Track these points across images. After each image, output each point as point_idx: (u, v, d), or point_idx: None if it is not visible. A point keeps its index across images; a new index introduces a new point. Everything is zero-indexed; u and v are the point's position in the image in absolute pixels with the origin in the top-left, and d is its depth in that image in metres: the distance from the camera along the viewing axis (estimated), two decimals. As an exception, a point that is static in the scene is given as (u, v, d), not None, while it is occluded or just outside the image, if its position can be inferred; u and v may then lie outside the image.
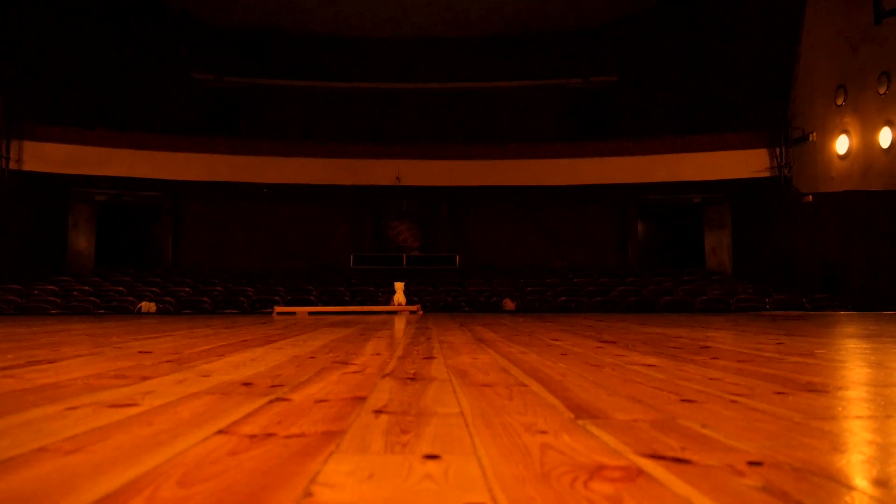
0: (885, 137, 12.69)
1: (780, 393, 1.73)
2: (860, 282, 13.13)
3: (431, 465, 1.00)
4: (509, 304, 13.84)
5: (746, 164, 15.98)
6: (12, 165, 14.87)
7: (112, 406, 1.54)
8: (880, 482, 0.93)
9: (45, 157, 15.19)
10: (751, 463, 1.00)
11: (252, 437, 1.20)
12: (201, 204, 18.33)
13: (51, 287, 14.41)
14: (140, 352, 3.17)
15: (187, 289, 14.89)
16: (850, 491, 0.88)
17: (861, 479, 0.94)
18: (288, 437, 1.20)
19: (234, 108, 19.62)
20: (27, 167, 15.06)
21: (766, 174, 15.81)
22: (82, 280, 15.45)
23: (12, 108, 14.97)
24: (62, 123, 15.55)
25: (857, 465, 1.04)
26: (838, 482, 0.91)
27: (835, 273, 13.71)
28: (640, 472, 0.95)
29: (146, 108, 18.26)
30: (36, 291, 14.00)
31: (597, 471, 0.96)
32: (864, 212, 13.09)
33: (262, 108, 19.76)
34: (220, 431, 1.25)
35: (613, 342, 3.78)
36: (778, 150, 15.64)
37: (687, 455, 1.05)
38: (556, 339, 4.02)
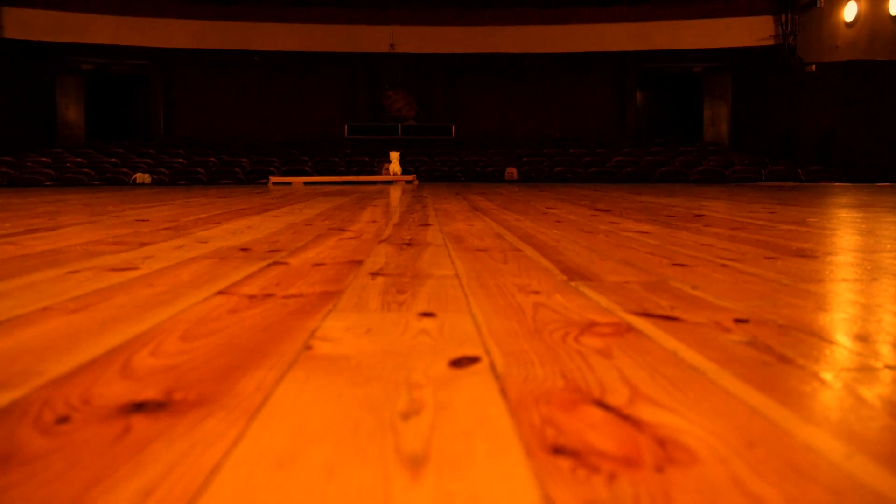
0: (895, 4, 12.29)
1: (769, 258, 1.76)
2: (857, 153, 13.07)
3: (427, 322, 1.03)
4: (512, 173, 13.75)
5: (750, 31, 15.54)
6: (-7, 32, 14.42)
7: (112, 270, 1.56)
8: (861, 337, 0.96)
9: (26, 23, 14.69)
10: (737, 320, 1.03)
11: (251, 297, 1.23)
12: (192, 73, 17.89)
13: (44, 159, 14.29)
14: (137, 220, 3.19)
15: (181, 160, 14.79)
16: (832, 345, 0.91)
17: (843, 335, 0.97)
18: (286, 297, 1.23)
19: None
20: (8, 34, 14.59)
21: (770, 42, 15.41)
22: (75, 152, 15.30)
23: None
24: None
25: (840, 322, 1.08)
26: (821, 337, 0.94)
27: (832, 145, 13.63)
28: (630, 329, 0.98)
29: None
30: (29, 163, 13.90)
31: (588, 327, 0.99)
32: (866, 82, 12.87)
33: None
34: (220, 292, 1.27)
35: (608, 210, 3.80)
36: (783, 16, 15.18)
37: (676, 313, 1.08)
38: (551, 208, 4.04)
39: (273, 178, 11.78)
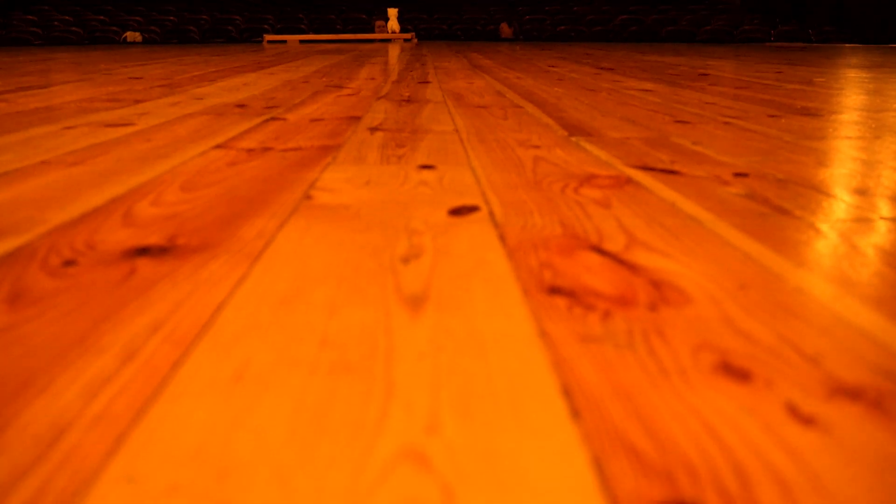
0: None
1: (773, 116, 1.74)
2: (872, 14, 12.63)
3: (426, 174, 1.03)
4: (506, 30, 13.37)
5: None
6: None
7: (108, 126, 1.55)
8: (859, 191, 0.96)
9: None
10: (737, 174, 1.03)
11: (250, 150, 1.22)
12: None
13: (30, 17, 13.81)
14: (130, 77, 3.12)
15: (172, 17, 14.31)
16: (829, 198, 0.91)
17: (841, 189, 0.97)
18: (285, 150, 1.22)
19: None
20: None
21: None
22: (62, 10, 14.76)
23: None
24: None
25: (840, 177, 1.08)
26: (819, 191, 0.94)
27: (846, 4, 13.15)
28: (629, 181, 0.98)
29: None
30: (15, 21, 13.45)
31: (587, 179, 0.99)
32: (887, -66, 12.26)
33: None
34: (218, 146, 1.27)
35: (611, 69, 3.72)
36: None
37: (676, 167, 1.08)
38: (553, 66, 3.95)
39: (268, 36, 11.44)
